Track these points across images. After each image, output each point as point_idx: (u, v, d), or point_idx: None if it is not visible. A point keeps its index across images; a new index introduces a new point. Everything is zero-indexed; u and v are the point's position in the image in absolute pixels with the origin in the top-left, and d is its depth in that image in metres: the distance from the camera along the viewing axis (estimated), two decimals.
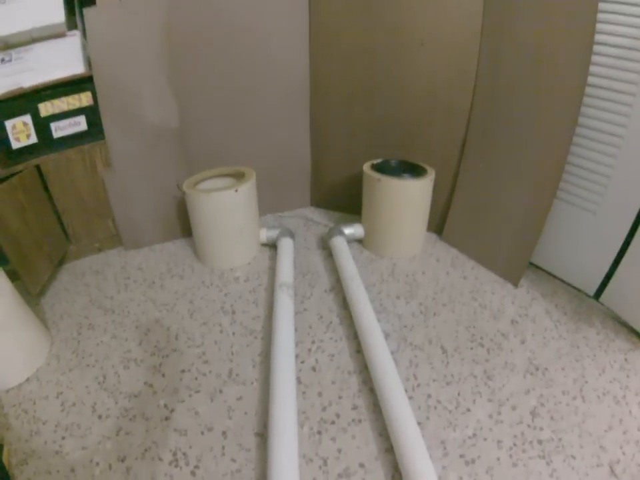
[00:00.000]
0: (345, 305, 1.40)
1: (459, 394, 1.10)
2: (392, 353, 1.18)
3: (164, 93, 1.57)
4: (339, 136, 1.83)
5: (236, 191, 1.48)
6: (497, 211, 1.51)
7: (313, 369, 1.18)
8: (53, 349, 1.29)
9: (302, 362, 1.20)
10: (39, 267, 1.46)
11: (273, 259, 1.66)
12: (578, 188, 1.34)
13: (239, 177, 1.64)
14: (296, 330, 1.29)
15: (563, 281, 1.50)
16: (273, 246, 1.73)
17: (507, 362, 1.20)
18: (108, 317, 1.41)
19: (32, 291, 1.39)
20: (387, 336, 1.27)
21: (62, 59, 1.45)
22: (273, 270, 1.59)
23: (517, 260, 1.48)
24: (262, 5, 1.57)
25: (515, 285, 1.49)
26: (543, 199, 1.36)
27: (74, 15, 1.50)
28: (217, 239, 1.57)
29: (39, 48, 1.41)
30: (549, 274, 1.54)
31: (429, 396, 1.10)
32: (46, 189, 1.55)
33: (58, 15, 1.39)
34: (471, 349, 1.24)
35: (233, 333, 1.31)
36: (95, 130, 1.55)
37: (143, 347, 1.28)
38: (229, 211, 1.51)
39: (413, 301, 1.42)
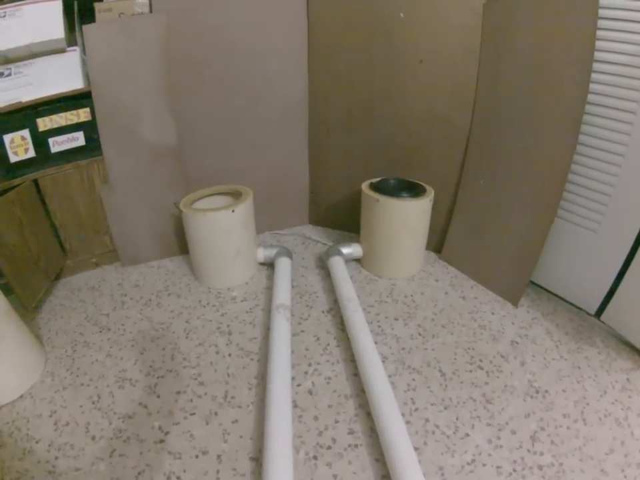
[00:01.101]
0: (342, 326, 1.38)
1: (457, 418, 1.08)
2: (389, 376, 1.17)
3: (162, 111, 1.56)
4: (337, 154, 1.83)
5: (232, 211, 1.47)
6: (497, 230, 1.50)
7: (310, 392, 1.16)
8: (48, 365, 1.27)
9: (298, 385, 1.18)
10: (34, 282, 1.45)
11: (271, 278, 1.64)
12: (579, 206, 1.33)
13: (237, 195, 1.63)
14: (292, 352, 1.27)
15: (564, 300, 1.49)
16: (270, 265, 1.71)
17: (507, 385, 1.18)
18: (103, 334, 1.39)
19: (27, 306, 1.38)
20: (384, 359, 1.26)
21: (61, 75, 1.44)
22: (270, 290, 1.57)
23: (517, 279, 1.47)
24: (261, 24, 1.58)
25: (515, 304, 1.47)
26: (543, 217, 1.35)
27: (74, 31, 1.49)
28: (214, 258, 1.56)
29: (38, 63, 1.41)
30: (549, 292, 1.53)
31: (427, 420, 1.08)
32: (43, 203, 1.54)
33: (57, 30, 1.38)
34: (470, 371, 1.22)
35: (229, 355, 1.30)
36: (92, 146, 1.55)
37: (138, 366, 1.26)
38: (225, 231, 1.50)
39: (411, 323, 1.41)
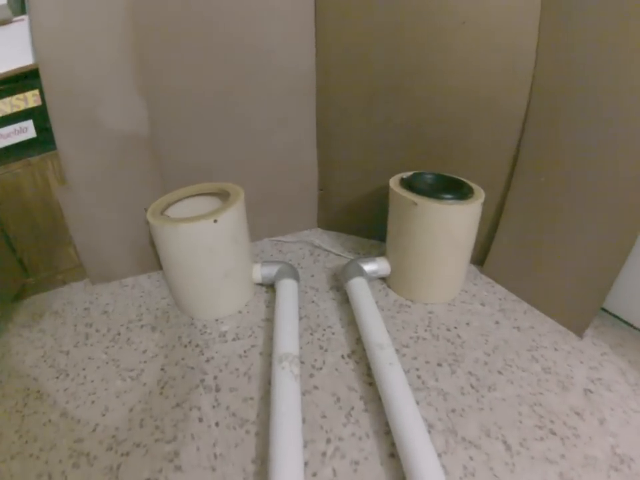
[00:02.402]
0: (369, 377, 1.07)
1: None
2: (439, 455, 0.86)
3: (129, 92, 1.30)
4: (353, 143, 1.57)
5: (215, 220, 1.14)
6: (558, 242, 1.22)
7: None
8: None
9: (314, 475, 0.86)
10: None
11: (271, 305, 1.34)
12: None
13: (224, 196, 1.32)
14: (304, 421, 0.96)
15: (631, 325, 1.23)
16: (271, 286, 1.42)
17: (587, 455, 0.89)
18: (60, 382, 1.12)
19: None
20: (430, 428, 0.95)
21: (5, 51, 1.22)
22: (270, 322, 1.27)
23: (584, 304, 1.19)
24: None
25: (580, 335, 1.20)
26: (625, 229, 1.07)
27: None
28: (194, 282, 1.25)
29: None
30: (613, 316, 1.27)
31: None
32: None
33: None
34: (541, 439, 0.92)
35: (217, 424, 0.98)
36: (46, 137, 1.29)
37: (98, 435, 0.96)
38: (206, 247, 1.18)
39: (459, 370, 1.10)
